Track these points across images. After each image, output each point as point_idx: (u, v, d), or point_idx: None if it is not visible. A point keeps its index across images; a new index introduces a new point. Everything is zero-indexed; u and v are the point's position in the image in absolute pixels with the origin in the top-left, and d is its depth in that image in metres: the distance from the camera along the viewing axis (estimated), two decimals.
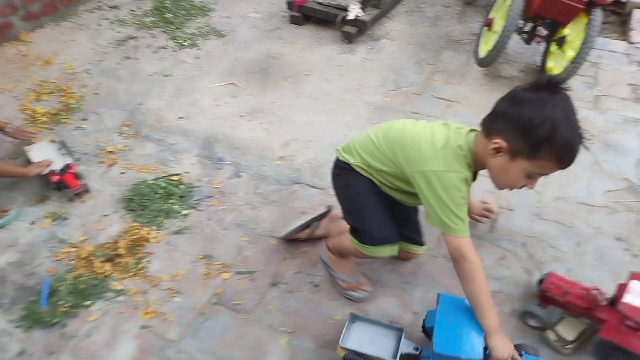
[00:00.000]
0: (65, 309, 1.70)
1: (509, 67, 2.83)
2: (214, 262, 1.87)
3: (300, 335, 1.64)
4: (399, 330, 1.54)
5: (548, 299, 1.61)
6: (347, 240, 1.60)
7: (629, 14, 3.30)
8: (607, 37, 3.12)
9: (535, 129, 1.24)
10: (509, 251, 1.87)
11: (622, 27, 3.26)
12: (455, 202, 1.36)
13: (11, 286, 1.80)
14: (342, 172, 1.62)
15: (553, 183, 2.12)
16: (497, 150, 1.31)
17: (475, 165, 1.42)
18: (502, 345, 1.35)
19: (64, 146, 2.28)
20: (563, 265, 1.81)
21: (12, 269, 1.85)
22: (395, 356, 1.45)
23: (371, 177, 1.55)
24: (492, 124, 1.34)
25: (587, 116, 2.46)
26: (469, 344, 1.34)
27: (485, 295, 1.38)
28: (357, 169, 1.56)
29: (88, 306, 1.72)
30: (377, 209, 1.57)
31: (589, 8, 2.36)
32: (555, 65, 2.59)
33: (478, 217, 1.90)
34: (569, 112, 1.26)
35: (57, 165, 2.15)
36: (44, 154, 2.21)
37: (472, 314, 1.39)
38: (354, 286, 1.73)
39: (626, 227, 1.94)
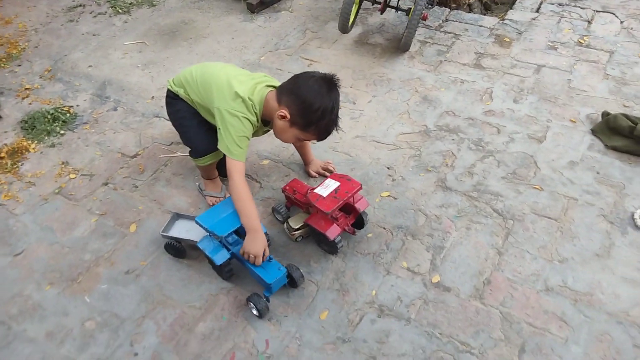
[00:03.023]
0: None
1: (378, 36, 3.21)
2: (68, 166, 2.40)
3: (107, 217, 2.14)
4: None
5: (287, 199, 2.04)
6: None
7: None
8: (491, 15, 3.43)
9: (310, 113, 1.75)
10: (293, 171, 2.29)
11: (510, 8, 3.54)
12: (238, 135, 1.79)
13: None
14: (171, 101, 2.08)
15: (360, 126, 2.51)
16: (282, 117, 1.78)
17: (264, 115, 1.88)
18: (250, 243, 1.71)
19: None
20: None
21: None
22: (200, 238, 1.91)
23: (192, 104, 2.00)
24: (283, 96, 1.79)
25: (421, 76, 2.82)
26: (221, 225, 1.75)
27: (242, 204, 1.75)
28: (182, 97, 2.00)
29: None
30: (198, 128, 2.01)
31: None
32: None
33: (313, 173, 2.24)
34: (335, 106, 1.77)
35: None
36: None
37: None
38: (219, 200, 2.14)
39: (399, 160, 2.31)
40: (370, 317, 1.72)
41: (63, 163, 2.43)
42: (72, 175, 2.35)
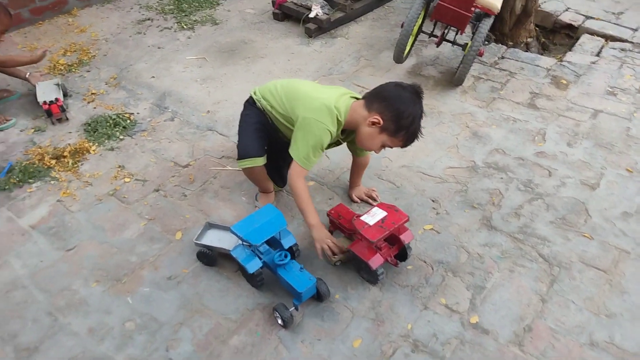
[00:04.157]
0: (14, 181, 2.44)
1: (432, 68, 3.23)
2: (124, 170, 2.52)
3: (155, 222, 2.23)
4: None
5: (331, 223, 2.05)
6: None
7: (579, 38, 3.51)
8: (549, 56, 3.39)
9: (403, 119, 1.83)
10: (337, 194, 2.32)
11: (569, 49, 3.48)
12: (313, 147, 1.88)
13: None
14: (248, 105, 2.18)
15: (407, 156, 2.52)
16: (373, 123, 1.85)
17: (346, 124, 1.95)
18: (318, 235, 1.90)
19: (61, 86, 3.07)
20: None
21: None
22: (231, 247, 1.97)
23: (268, 113, 2.09)
24: (374, 103, 1.87)
25: (472, 112, 2.80)
26: (255, 234, 1.79)
27: (303, 203, 1.92)
28: (259, 105, 2.10)
29: (31, 183, 2.45)
30: (251, 133, 2.09)
31: (481, 18, 2.73)
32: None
33: (355, 198, 2.29)
34: (422, 114, 1.87)
35: (51, 98, 2.94)
36: (46, 89, 3.01)
37: (276, 223, 1.82)
38: None
39: (445, 193, 2.30)
40: (404, 351, 1.69)
41: (119, 167, 2.54)
42: (126, 179, 2.47)
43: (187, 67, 3.37)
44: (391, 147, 1.93)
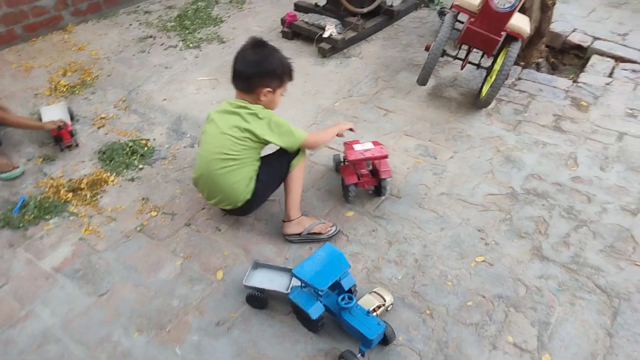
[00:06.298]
0: (29, 218, 2.26)
1: (452, 90, 3.20)
2: (149, 203, 2.37)
3: (192, 260, 2.09)
4: (290, 271, 1.92)
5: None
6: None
7: (588, 59, 3.57)
8: (560, 76, 3.42)
9: (280, 71, 2.01)
10: (380, 226, 2.24)
11: (580, 70, 3.53)
12: (284, 121, 2.04)
13: (0, 199, 2.39)
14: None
15: (445, 182, 2.47)
16: (268, 92, 2.00)
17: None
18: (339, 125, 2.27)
19: (68, 110, 2.89)
20: (421, 241, 2.15)
21: (5, 188, 2.45)
22: (287, 289, 1.87)
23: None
24: (252, 83, 1.97)
25: (501, 135, 2.79)
26: (320, 278, 1.67)
27: (323, 136, 2.23)
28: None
29: (47, 219, 2.27)
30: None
31: (509, 41, 2.72)
32: (485, 90, 2.93)
33: None
34: (282, 54, 2.05)
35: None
36: (53, 114, 2.82)
37: (339, 264, 1.71)
38: (324, 226, 2.16)
39: (490, 222, 2.25)
40: None
41: (143, 199, 2.39)
42: (153, 213, 2.32)
43: (200, 88, 3.23)
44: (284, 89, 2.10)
